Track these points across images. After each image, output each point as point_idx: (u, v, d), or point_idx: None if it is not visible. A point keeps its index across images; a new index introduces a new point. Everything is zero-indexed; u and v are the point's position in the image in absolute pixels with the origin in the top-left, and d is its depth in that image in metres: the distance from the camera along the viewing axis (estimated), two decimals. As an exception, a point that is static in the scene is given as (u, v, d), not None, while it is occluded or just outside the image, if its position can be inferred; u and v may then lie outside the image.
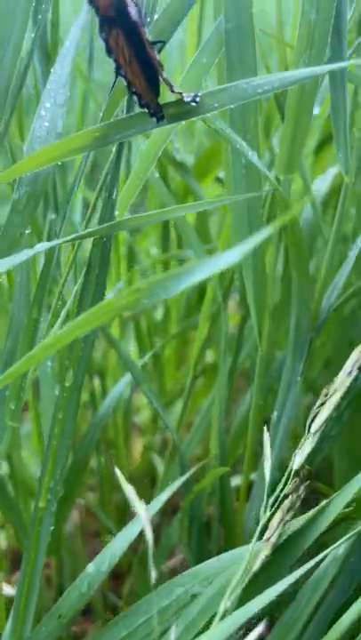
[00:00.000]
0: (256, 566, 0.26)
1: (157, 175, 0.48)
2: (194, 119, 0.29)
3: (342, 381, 0.33)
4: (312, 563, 0.26)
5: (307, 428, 0.31)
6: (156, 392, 0.70)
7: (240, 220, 0.38)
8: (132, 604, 0.52)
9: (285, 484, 0.29)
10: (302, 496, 0.31)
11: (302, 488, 0.31)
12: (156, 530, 0.61)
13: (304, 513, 0.31)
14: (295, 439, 0.58)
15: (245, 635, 0.23)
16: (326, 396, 0.34)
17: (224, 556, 0.29)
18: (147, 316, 0.68)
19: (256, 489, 0.46)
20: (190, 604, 0.28)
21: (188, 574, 0.29)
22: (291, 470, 0.29)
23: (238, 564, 0.28)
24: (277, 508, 0.30)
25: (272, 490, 0.30)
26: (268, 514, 0.28)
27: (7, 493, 0.50)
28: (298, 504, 0.30)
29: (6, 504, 0.49)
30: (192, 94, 0.28)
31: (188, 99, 0.28)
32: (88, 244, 0.33)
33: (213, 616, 0.27)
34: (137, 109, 0.30)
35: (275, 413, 0.42)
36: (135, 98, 0.28)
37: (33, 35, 0.33)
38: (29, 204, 0.32)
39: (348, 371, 0.34)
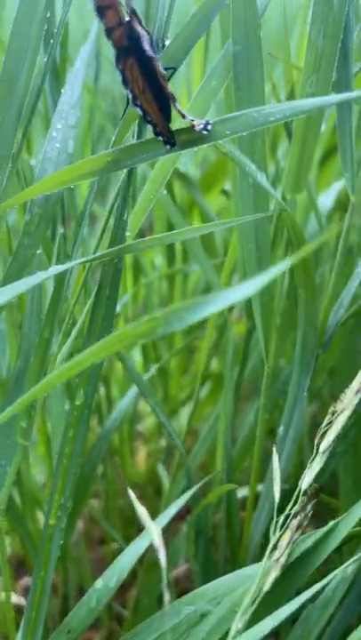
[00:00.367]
0: (266, 587, 0.27)
1: (165, 192, 0.48)
2: (205, 145, 0.29)
3: (350, 400, 0.34)
4: (322, 583, 0.27)
5: (315, 447, 0.32)
6: (160, 399, 0.70)
7: (247, 237, 0.38)
8: (137, 614, 0.53)
9: (294, 502, 0.30)
10: (310, 514, 0.31)
11: (310, 506, 0.31)
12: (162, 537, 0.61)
13: (309, 524, 0.31)
14: (298, 448, 0.59)
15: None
16: (333, 414, 0.34)
17: (232, 575, 0.30)
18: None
19: (262, 501, 0.47)
20: (200, 623, 0.29)
21: (197, 594, 0.30)
22: (299, 490, 0.30)
23: (247, 584, 0.28)
24: (284, 525, 0.30)
25: (279, 506, 0.30)
26: (279, 534, 0.28)
27: (14, 503, 0.50)
28: (306, 522, 0.31)
29: (13, 513, 0.49)
30: (203, 122, 0.28)
31: (200, 127, 0.28)
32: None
33: (223, 635, 0.28)
34: (149, 135, 0.31)
35: (281, 428, 0.43)
36: (150, 127, 0.28)
37: (45, 59, 0.34)
38: (41, 226, 0.33)
39: (356, 389, 0.35)
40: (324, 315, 0.41)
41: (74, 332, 0.34)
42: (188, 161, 0.52)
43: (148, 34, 0.28)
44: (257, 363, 0.52)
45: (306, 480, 0.29)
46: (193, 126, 0.28)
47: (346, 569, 0.28)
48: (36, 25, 0.29)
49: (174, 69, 0.30)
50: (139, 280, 0.60)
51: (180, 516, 0.65)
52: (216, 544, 0.58)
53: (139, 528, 0.69)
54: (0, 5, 0.56)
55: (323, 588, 0.28)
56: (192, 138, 0.29)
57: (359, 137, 0.38)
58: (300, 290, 0.40)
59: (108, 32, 0.27)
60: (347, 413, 0.32)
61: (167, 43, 0.31)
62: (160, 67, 0.28)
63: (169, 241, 0.33)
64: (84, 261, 0.31)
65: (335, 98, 0.30)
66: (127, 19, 0.28)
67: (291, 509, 0.30)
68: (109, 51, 0.40)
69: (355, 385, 0.35)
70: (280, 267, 0.19)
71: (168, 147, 0.29)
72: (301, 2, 0.50)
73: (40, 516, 0.57)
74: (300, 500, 0.30)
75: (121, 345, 0.23)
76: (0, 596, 0.44)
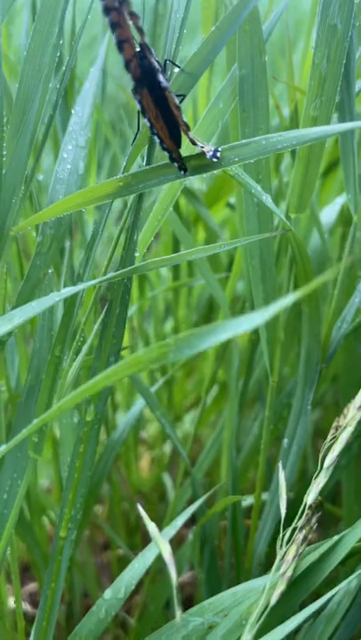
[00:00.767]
0: (273, 601, 0.28)
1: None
2: (214, 172, 0.30)
3: (353, 416, 0.35)
4: (327, 597, 0.28)
5: (320, 462, 0.33)
6: (164, 404, 0.71)
7: (252, 254, 0.39)
8: (143, 621, 0.54)
9: (300, 516, 0.31)
10: (314, 527, 0.32)
11: (314, 519, 0.32)
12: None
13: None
14: (302, 455, 0.60)
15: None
16: (337, 429, 0.35)
17: (239, 587, 0.30)
18: (156, 330, 0.69)
19: (267, 510, 0.47)
20: (208, 635, 0.29)
21: (205, 606, 0.30)
22: (305, 505, 0.30)
23: (253, 597, 0.29)
24: (289, 537, 0.31)
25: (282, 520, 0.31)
26: (285, 548, 0.29)
27: (22, 511, 0.51)
28: (310, 535, 0.32)
29: (21, 522, 0.50)
30: (212, 149, 0.29)
31: (210, 154, 0.29)
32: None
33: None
34: (159, 158, 0.31)
35: (285, 440, 0.43)
36: (166, 153, 0.29)
37: (58, 85, 0.35)
38: (53, 247, 0.34)
39: (359, 405, 0.36)
40: (327, 329, 0.42)
41: (84, 349, 0.35)
42: (193, 177, 0.52)
43: (159, 64, 0.29)
44: (261, 374, 0.53)
45: (311, 496, 0.30)
46: (203, 153, 0.29)
47: (350, 583, 0.29)
48: (48, 55, 0.30)
49: (184, 96, 0.31)
50: (144, 291, 0.61)
51: (185, 524, 0.66)
52: (221, 551, 0.59)
53: (142, 532, 0.70)
54: (8, 21, 0.57)
55: (327, 602, 0.29)
56: (202, 164, 0.30)
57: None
58: (303, 307, 0.41)
59: (127, 64, 0.28)
60: (350, 430, 0.33)
61: (176, 70, 0.32)
62: (174, 97, 0.29)
63: (176, 262, 0.33)
64: (96, 282, 0.31)
65: (340, 127, 0.31)
66: (138, 49, 0.29)
67: (296, 522, 0.31)
68: (113, 58, 0.41)
69: (358, 400, 0.36)
70: (286, 300, 0.20)
71: (182, 172, 0.30)
72: (306, 8, 0.51)
73: (46, 521, 0.58)
74: (305, 514, 0.31)
75: (132, 370, 0.24)
76: (8, 603, 0.45)
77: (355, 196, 0.37)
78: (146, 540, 0.69)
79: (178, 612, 0.23)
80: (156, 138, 0.29)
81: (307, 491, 0.43)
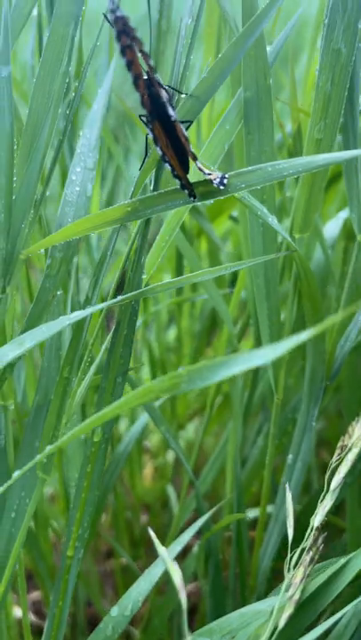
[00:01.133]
0: (281, 624, 0.28)
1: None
2: (221, 198, 0.30)
3: (359, 436, 0.35)
4: (334, 618, 0.28)
5: (326, 483, 0.33)
6: (167, 414, 0.71)
7: (257, 273, 0.40)
8: (147, 634, 0.54)
9: (307, 538, 0.31)
10: (321, 548, 0.33)
11: (321, 540, 0.33)
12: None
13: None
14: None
15: None
16: (342, 450, 0.36)
17: (246, 609, 0.31)
18: (159, 341, 0.69)
19: (272, 524, 0.48)
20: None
21: (213, 627, 0.31)
22: (312, 527, 0.31)
23: (261, 619, 0.30)
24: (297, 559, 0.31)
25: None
26: (293, 572, 0.29)
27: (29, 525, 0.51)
28: (317, 557, 0.32)
29: (27, 535, 0.50)
30: (220, 176, 0.30)
31: (217, 181, 0.30)
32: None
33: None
34: (166, 183, 0.32)
35: (290, 457, 0.44)
36: (177, 181, 0.30)
37: (67, 111, 0.35)
38: (62, 269, 0.34)
39: (363, 425, 0.36)
40: (331, 347, 0.42)
41: (92, 369, 0.35)
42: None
43: (167, 92, 0.29)
44: (265, 387, 0.53)
45: (318, 518, 0.31)
46: (211, 181, 0.30)
47: (357, 605, 0.29)
48: (57, 83, 0.30)
49: (190, 122, 0.32)
50: (148, 305, 0.62)
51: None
52: (225, 561, 0.60)
53: (146, 540, 0.70)
54: (13, 36, 0.57)
55: (335, 623, 0.29)
56: (210, 190, 0.31)
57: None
58: (308, 324, 0.41)
59: (141, 98, 0.29)
60: (356, 451, 0.33)
61: (183, 96, 0.32)
62: (182, 128, 0.29)
63: (184, 283, 0.34)
64: (104, 306, 0.32)
65: (346, 154, 0.32)
66: (145, 77, 0.29)
67: (304, 543, 0.32)
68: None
69: (363, 420, 0.36)
70: (300, 337, 0.20)
71: (192, 199, 0.30)
72: (312, 14, 0.51)
73: (50, 532, 0.58)
74: (311, 535, 0.32)
75: (144, 400, 0.24)
76: (14, 613, 0.45)
77: (359, 215, 0.38)
78: (149, 549, 0.70)
79: (188, 639, 0.23)
80: (167, 166, 0.30)
81: (310, 504, 0.43)
